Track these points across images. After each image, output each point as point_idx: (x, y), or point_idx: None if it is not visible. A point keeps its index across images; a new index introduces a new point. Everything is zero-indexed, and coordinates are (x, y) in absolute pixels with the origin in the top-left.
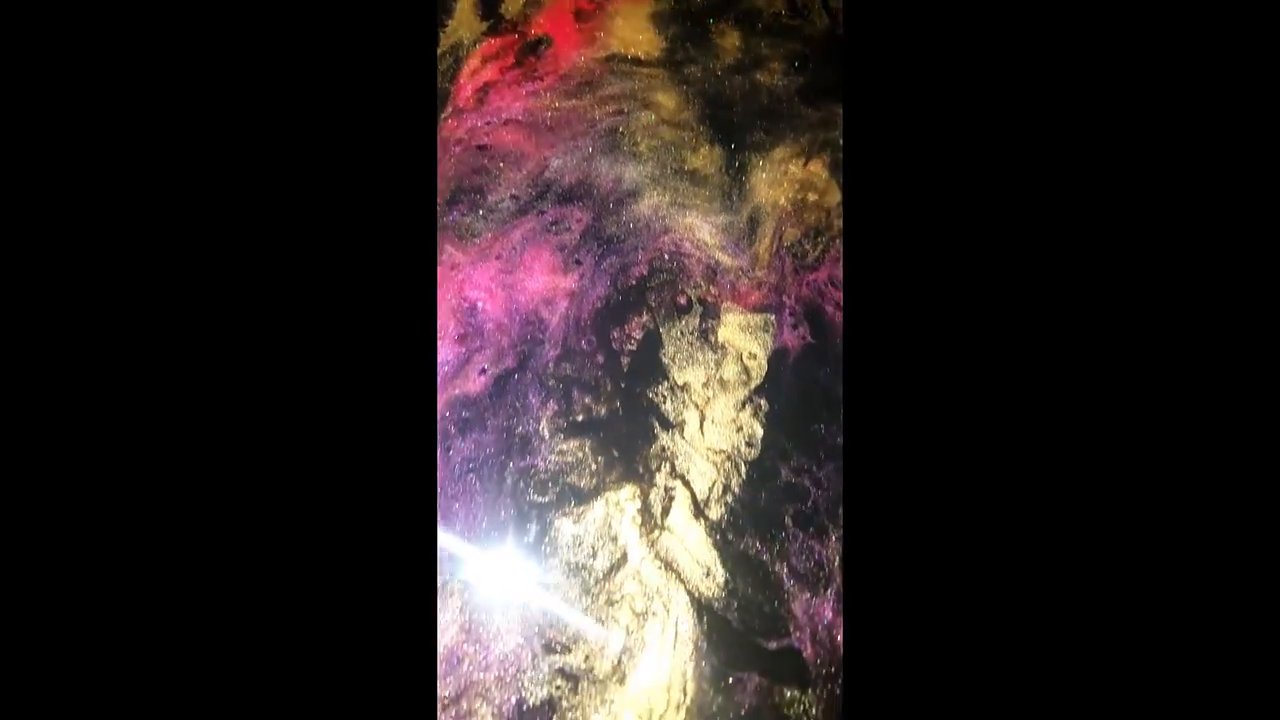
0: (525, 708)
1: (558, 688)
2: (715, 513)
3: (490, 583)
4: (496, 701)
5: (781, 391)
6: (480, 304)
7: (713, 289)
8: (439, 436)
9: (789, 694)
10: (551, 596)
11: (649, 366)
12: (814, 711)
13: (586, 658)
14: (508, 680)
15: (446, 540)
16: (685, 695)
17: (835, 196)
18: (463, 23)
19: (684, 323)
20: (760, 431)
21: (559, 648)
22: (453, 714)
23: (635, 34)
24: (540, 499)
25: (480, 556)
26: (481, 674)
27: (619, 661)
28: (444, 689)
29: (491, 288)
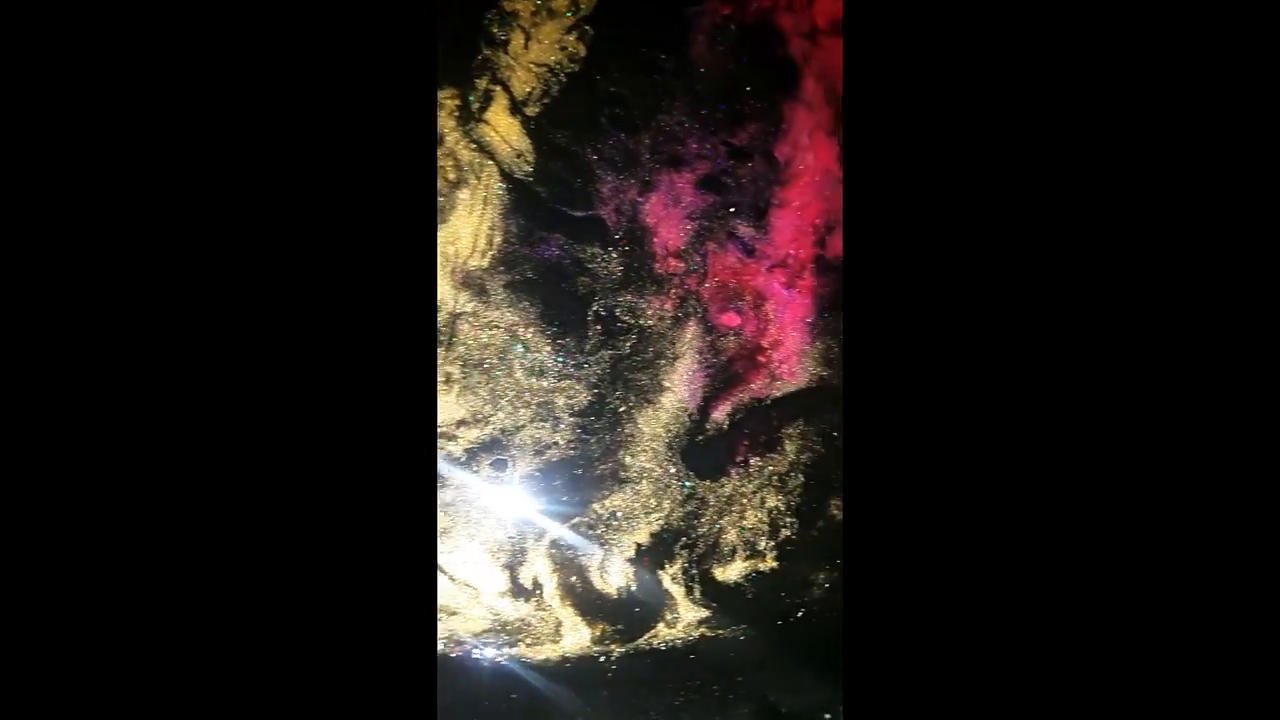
0: None
1: None
2: (533, 110)
3: None
4: None
5: (610, 20)
6: None
7: None
8: None
9: (590, 251)
10: None
11: None
12: (610, 265)
13: None
14: None
15: None
16: (491, 246)
17: None
18: None
19: None
20: (584, 51)
21: None
22: None
23: None
24: None
25: None
26: None
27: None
28: None
29: None
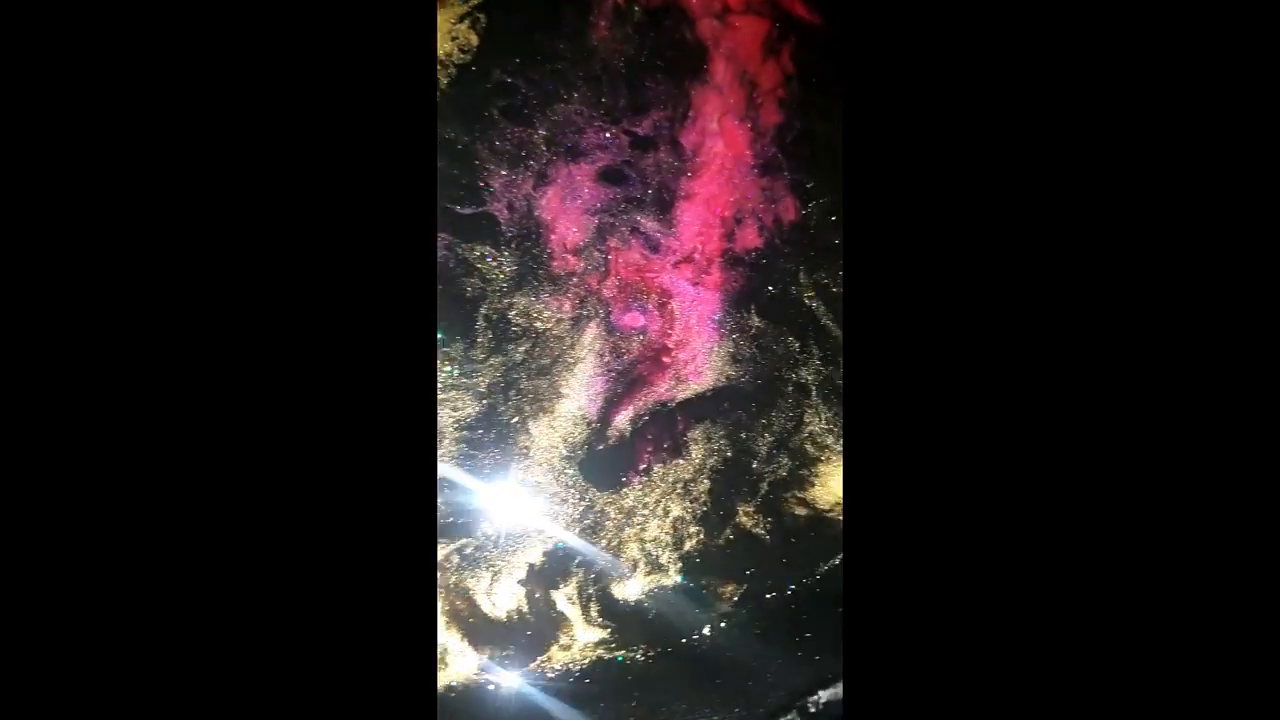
0: None
1: None
2: None
3: None
4: None
5: (504, 6)
6: None
7: None
8: None
9: (479, 250)
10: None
11: None
12: (502, 265)
13: None
14: None
15: None
16: None
17: None
18: None
19: None
20: (476, 40)
21: None
22: None
23: None
24: None
25: None
26: None
27: None
28: None
29: None
